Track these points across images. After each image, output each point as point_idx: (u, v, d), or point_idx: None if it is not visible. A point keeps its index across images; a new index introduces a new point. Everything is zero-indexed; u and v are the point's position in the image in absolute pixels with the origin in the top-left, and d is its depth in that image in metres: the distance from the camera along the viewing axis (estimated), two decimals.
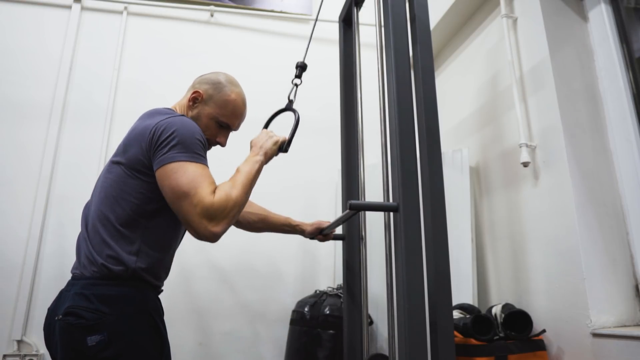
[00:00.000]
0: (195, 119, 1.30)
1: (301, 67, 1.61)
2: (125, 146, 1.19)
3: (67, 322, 1.07)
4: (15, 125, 2.28)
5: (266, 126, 1.54)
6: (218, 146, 1.37)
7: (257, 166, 1.24)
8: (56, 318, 1.11)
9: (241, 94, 1.36)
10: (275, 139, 1.35)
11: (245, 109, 1.38)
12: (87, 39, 2.50)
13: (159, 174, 1.11)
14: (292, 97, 1.56)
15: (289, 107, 1.54)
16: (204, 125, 1.30)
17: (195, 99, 1.31)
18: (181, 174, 1.08)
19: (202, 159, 1.14)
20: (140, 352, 1.10)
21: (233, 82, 1.36)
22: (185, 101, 1.33)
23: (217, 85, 1.33)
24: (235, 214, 1.11)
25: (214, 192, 1.09)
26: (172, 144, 1.11)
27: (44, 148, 2.27)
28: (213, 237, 1.08)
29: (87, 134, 2.34)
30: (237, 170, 1.20)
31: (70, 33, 2.46)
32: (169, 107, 1.34)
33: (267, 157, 1.31)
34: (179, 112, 1.32)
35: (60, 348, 1.08)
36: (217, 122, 1.32)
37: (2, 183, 2.19)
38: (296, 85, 1.58)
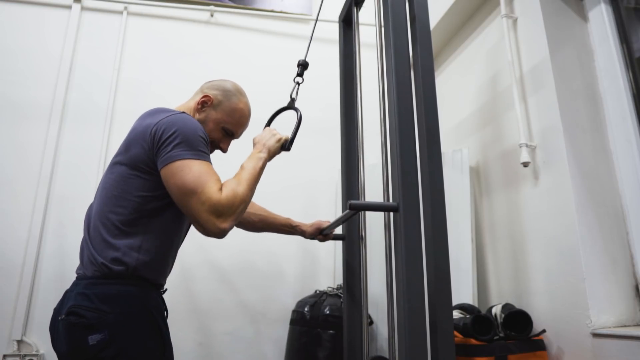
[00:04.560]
0: (201, 122, 1.32)
1: (303, 66, 1.60)
2: (127, 146, 1.19)
3: (69, 322, 1.08)
4: (15, 125, 2.28)
5: (268, 124, 1.55)
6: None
7: (260, 163, 1.25)
8: (59, 318, 1.12)
9: (248, 105, 1.40)
10: (278, 137, 1.36)
11: (249, 119, 1.42)
12: (87, 39, 2.50)
13: (164, 172, 1.12)
14: (294, 96, 1.55)
15: (291, 105, 1.53)
16: (209, 129, 1.33)
17: (205, 103, 1.34)
18: (187, 171, 1.09)
19: (205, 156, 1.16)
20: (141, 351, 1.10)
21: (241, 92, 1.40)
22: (194, 103, 1.35)
23: (226, 93, 1.36)
24: (242, 210, 1.13)
25: (220, 189, 1.10)
26: (175, 142, 1.12)
27: (44, 148, 2.26)
28: (221, 234, 1.09)
29: (87, 134, 2.34)
30: (242, 167, 1.22)
31: (70, 33, 2.46)
32: (172, 108, 1.35)
33: (270, 155, 1.32)
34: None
35: (65, 347, 1.09)
36: (222, 129, 1.35)
37: (2, 183, 2.19)
38: (298, 83, 1.58)
